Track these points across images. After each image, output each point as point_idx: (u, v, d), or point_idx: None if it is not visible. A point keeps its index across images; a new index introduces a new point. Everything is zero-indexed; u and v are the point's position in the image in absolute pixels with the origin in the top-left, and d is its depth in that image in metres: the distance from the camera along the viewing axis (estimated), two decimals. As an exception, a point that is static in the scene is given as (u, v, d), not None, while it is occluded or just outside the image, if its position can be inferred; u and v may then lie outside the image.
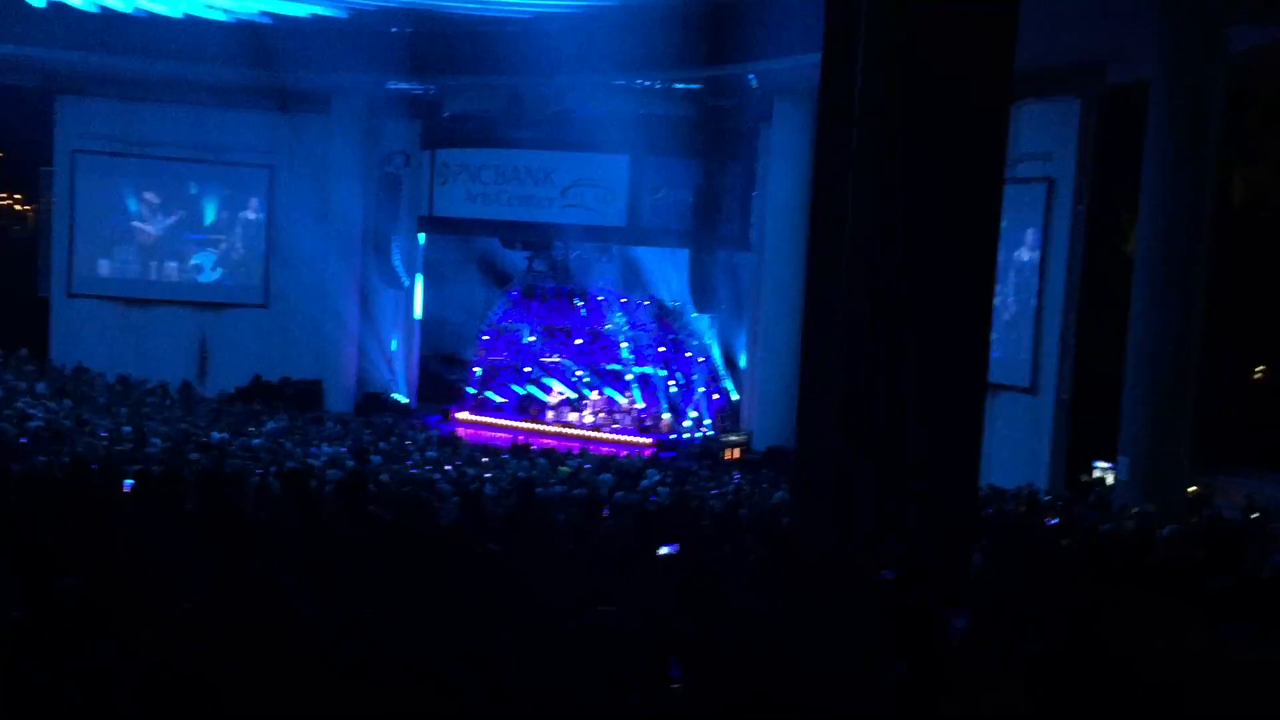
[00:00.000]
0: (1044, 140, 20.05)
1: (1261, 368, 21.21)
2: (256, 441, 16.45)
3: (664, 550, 6.22)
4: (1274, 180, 19.10)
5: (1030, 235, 20.56)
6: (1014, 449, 20.20)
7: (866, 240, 8.70)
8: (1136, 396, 16.35)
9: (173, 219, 29.12)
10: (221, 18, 24.65)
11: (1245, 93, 18.05)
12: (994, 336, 18.51)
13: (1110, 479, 18.06)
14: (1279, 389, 20.40)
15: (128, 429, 15.85)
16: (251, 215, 29.33)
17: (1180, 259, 15.94)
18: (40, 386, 20.52)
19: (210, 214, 29.27)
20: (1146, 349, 16.22)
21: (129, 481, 9.16)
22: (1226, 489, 17.47)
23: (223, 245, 29.42)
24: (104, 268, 28.89)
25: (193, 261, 29.41)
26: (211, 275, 29.45)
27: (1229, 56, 15.96)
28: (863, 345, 8.69)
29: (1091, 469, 19.61)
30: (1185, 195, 15.82)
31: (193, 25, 24.96)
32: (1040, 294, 20.30)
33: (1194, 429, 16.38)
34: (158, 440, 14.80)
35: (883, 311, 8.58)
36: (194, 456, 13.53)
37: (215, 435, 17.04)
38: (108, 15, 24.54)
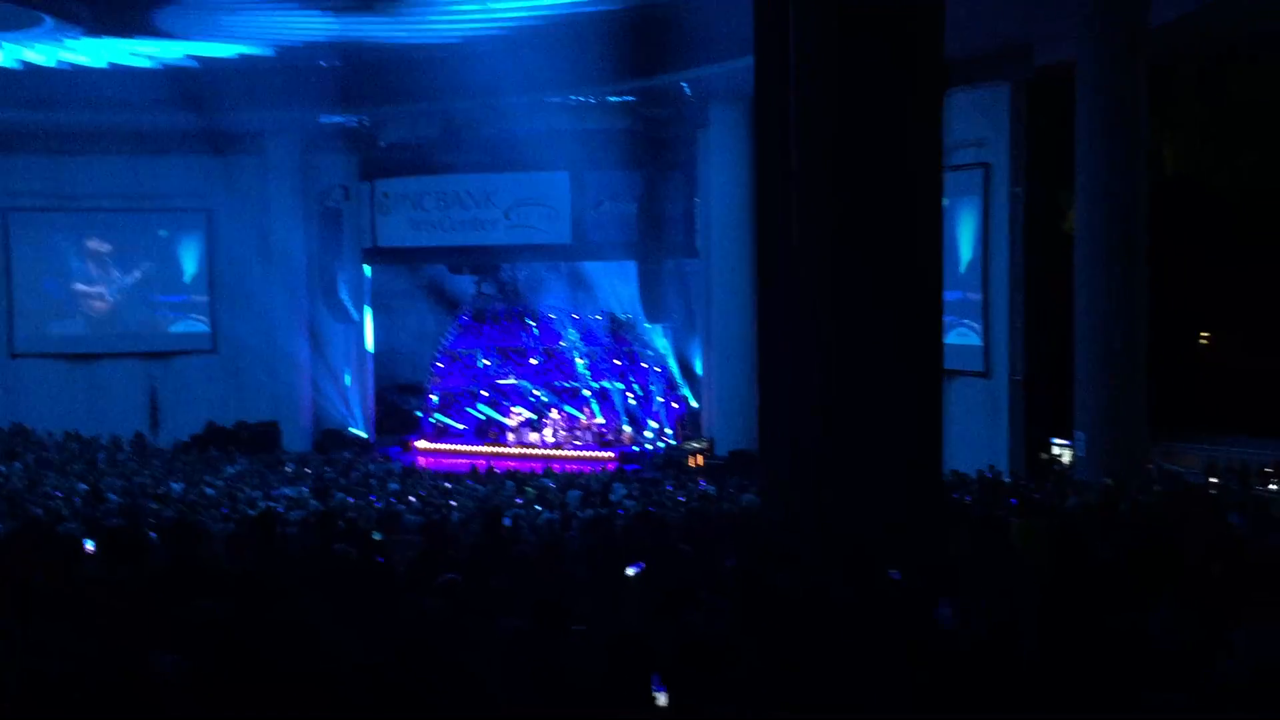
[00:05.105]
0: (977, 126, 20.29)
1: (1206, 334, 21.57)
2: (210, 492, 16.27)
3: (632, 570, 6.19)
4: (1202, 148, 19.46)
5: (971, 220, 20.78)
6: (973, 433, 20.37)
7: (813, 235, 8.74)
8: (1088, 372, 16.58)
9: (131, 277, 28.71)
10: (147, 65, 24.37)
11: (1169, 65, 18.38)
12: (946, 323, 18.77)
13: (1069, 456, 18.27)
14: (1224, 354, 20.75)
15: (83, 486, 15.61)
16: (193, 260, 29.00)
17: (1119, 232, 16.20)
18: (-11, 451, 20.15)
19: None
20: (1094, 324, 16.45)
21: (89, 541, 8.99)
22: (1182, 456, 17.73)
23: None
24: (52, 327, 28.43)
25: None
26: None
27: (1151, 31, 16.26)
28: (817, 341, 8.72)
29: (1050, 447, 19.82)
30: (1119, 170, 16.10)
31: (118, 75, 24.65)
32: (985, 278, 20.52)
33: (1147, 399, 16.62)
34: (114, 496, 14.58)
35: (834, 305, 8.62)
36: (152, 507, 13.33)
37: (174, 486, 16.84)
38: (30, 70, 24.18)
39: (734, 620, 5.81)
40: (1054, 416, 18.65)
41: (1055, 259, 18.35)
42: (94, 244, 28.49)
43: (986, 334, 20.58)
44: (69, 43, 22.45)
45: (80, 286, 28.55)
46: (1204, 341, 21.56)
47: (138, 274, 28.84)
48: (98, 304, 28.72)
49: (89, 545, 8.60)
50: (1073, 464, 17.55)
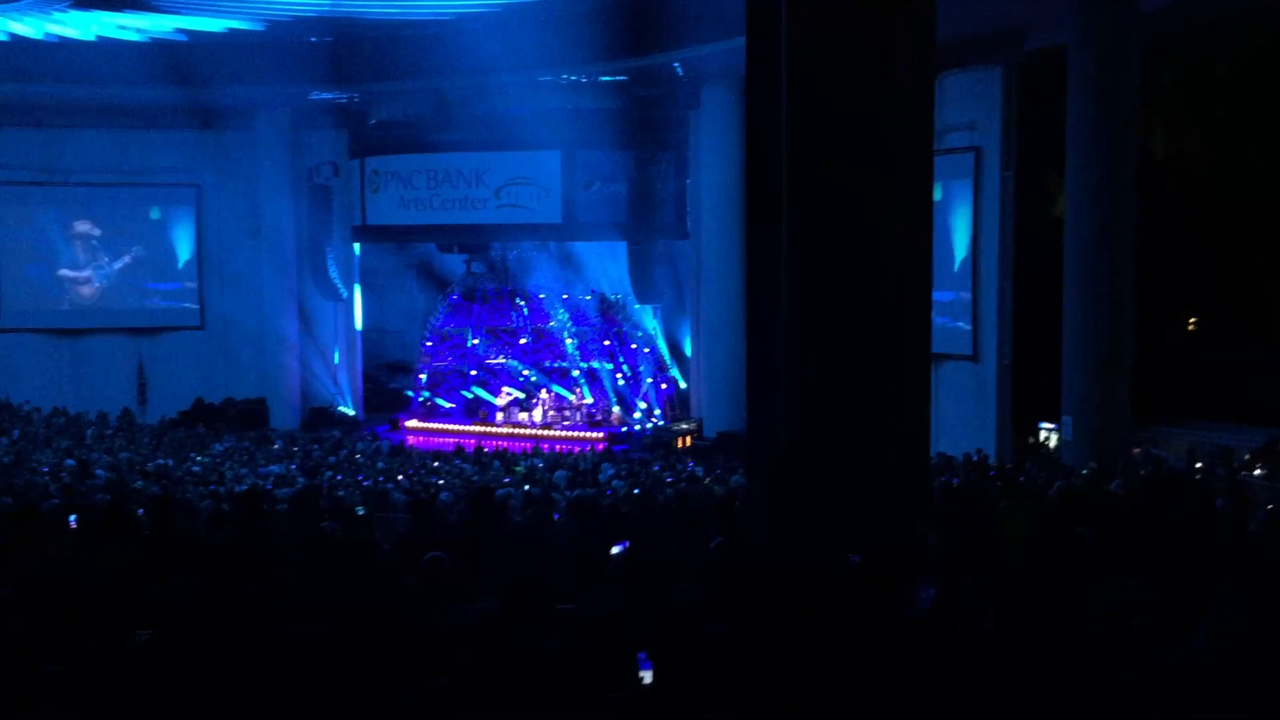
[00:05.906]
0: (969, 110, 20.27)
1: (1193, 319, 21.61)
2: (196, 469, 16.25)
3: (616, 549, 6.20)
4: (1191, 134, 19.46)
5: (963, 204, 20.77)
6: (960, 417, 20.43)
7: (802, 218, 8.73)
8: (1075, 356, 16.63)
9: (120, 262, 28.53)
10: (135, 38, 24.21)
11: (1159, 51, 18.36)
12: (937, 323, 18.78)
13: (1055, 440, 18.34)
14: (1210, 339, 20.79)
15: (70, 462, 15.58)
16: (187, 245, 28.87)
17: (1108, 217, 16.23)
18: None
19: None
20: (1082, 309, 16.49)
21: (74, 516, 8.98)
22: (1167, 441, 17.81)
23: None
24: (38, 300, 28.28)
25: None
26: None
27: (1141, 17, 16.26)
28: (805, 323, 8.72)
29: (1037, 431, 19.89)
30: (1108, 155, 16.12)
31: (106, 47, 24.49)
32: (975, 262, 20.53)
33: (1133, 384, 16.68)
34: (101, 472, 14.56)
35: (823, 287, 8.62)
36: (139, 484, 13.32)
37: (162, 461, 16.82)
38: (17, 42, 24.01)
39: (713, 600, 5.84)
40: (1042, 401, 18.69)
41: (1045, 243, 18.35)
42: (83, 227, 28.29)
43: (975, 318, 20.60)
44: (56, 15, 22.28)
45: (67, 272, 28.37)
46: (1191, 327, 21.61)
47: (128, 258, 28.70)
48: (85, 290, 28.54)
49: (73, 521, 8.58)
50: (1059, 448, 17.62)
